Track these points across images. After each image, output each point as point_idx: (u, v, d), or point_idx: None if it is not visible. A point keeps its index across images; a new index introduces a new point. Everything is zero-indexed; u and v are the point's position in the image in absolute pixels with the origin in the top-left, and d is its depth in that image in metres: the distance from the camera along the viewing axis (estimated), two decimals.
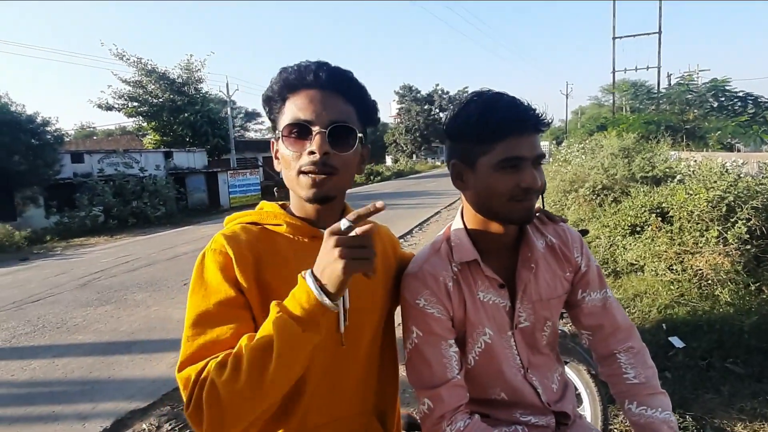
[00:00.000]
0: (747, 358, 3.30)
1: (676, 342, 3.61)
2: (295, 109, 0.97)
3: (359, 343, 1.04)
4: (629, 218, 6.11)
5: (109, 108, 23.86)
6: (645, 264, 5.24)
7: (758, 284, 4.32)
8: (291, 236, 1.01)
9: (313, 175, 0.95)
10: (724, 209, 4.87)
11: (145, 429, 3.22)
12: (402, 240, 9.71)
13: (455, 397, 1.07)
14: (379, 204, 0.78)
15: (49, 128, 15.78)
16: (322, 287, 0.82)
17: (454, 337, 1.11)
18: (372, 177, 33.67)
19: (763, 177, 5.84)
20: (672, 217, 5.44)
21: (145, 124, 24.99)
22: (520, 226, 1.09)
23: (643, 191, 6.78)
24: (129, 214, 16.56)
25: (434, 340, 1.09)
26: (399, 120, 55.03)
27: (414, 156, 53.59)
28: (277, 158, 1.05)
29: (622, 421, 2.74)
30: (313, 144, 0.94)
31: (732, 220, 4.78)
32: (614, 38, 25.92)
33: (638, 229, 5.95)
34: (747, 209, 4.73)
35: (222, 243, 0.95)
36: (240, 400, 0.80)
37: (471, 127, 1.04)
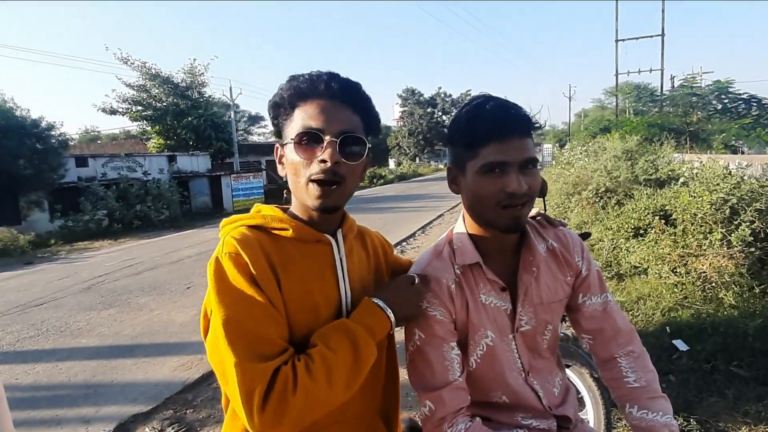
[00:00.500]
0: (751, 361, 3.28)
1: (680, 345, 3.59)
2: (306, 117, 0.98)
3: None
4: (632, 221, 6.09)
5: (113, 112, 23.98)
6: (648, 267, 5.22)
7: (762, 287, 4.30)
8: (296, 240, 1.03)
9: (322, 186, 0.97)
10: (727, 212, 4.85)
11: None
12: (405, 243, 9.71)
13: (456, 400, 1.07)
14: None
15: (53, 132, 15.88)
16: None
17: (456, 339, 1.12)
18: (375, 180, 33.69)
19: (767, 179, 5.82)
20: (675, 219, 5.42)
21: (149, 128, 25.12)
22: (509, 234, 1.08)
23: (647, 194, 6.76)
24: (133, 217, 16.62)
25: (436, 343, 1.09)
26: (402, 123, 55.08)
27: (417, 159, 53.62)
28: (281, 163, 1.06)
29: (625, 426, 2.72)
30: (325, 153, 0.96)
31: (736, 222, 4.77)
32: (617, 41, 25.92)
33: (641, 231, 5.93)
34: (751, 211, 4.71)
35: (236, 246, 0.95)
36: (333, 400, 0.91)
37: (459, 132, 1.07)
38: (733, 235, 4.64)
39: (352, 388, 0.94)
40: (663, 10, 24.97)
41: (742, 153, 15.32)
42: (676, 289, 4.68)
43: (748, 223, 4.65)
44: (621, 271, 5.52)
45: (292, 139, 0.99)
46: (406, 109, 54.37)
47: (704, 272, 4.62)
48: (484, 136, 1.02)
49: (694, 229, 5.05)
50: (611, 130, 18.32)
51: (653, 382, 1.16)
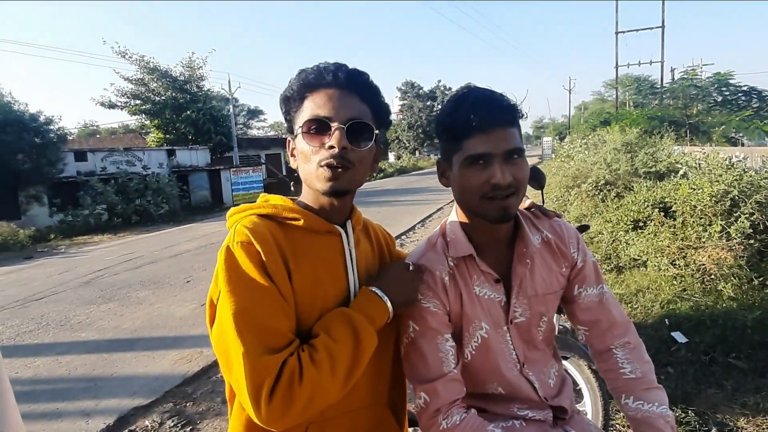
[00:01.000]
0: (750, 353, 3.28)
1: (679, 337, 3.60)
2: (314, 106, 1.01)
3: None
4: (632, 213, 6.09)
5: (112, 106, 23.91)
6: (648, 259, 5.22)
7: (761, 279, 4.30)
8: (307, 230, 1.04)
9: (331, 169, 0.99)
10: (728, 204, 4.85)
11: (147, 426, 3.24)
12: (404, 236, 9.71)
13: (451, 391, 1.07)
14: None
15: (52, 127, 15.85)
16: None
17: (450, 331, 1.11)
18: (374, 174, 33.60)
19: (767, 171, 5.81)
20: (675, 212, 5.42)
21: (147, 122, 25.06)
22: (497, 224, 1.07)
23: (646, 186, 6.75)
24: (132, 212, 16.61)
25: (430, 335, 1.09)
26: (401, 116, 54.94)
27: (417, 153, 53.53)
28: (293, 155, 1.09)
29: (624, 417, 2.73)
30: (333, 139, 0.98)
31: (735, 214, 4.76)
32: (617, 33, 25.82)
33: (641, 224, 5.93)
34: (750, 204, 4.71)
35: (248, 235, 0.95)
36: (338, 391, 0.92)
37: (443, 126, 1.08)
38: (732, 227, 4.64)
39: (354, 377, 0.94)
40: (663, 2, 24.85)
41: (742, 145, 15.29)
42: (675, 282, 4.68)
43: (747, 215, 4.65)
44: (620, 264, 5.52)
45: (300, 128, 1.02)
46: (405, 102, 54.18)
47: (703, 264, 4.62)
48: (466, 128, 1.02)
49: (693, 222, 5.04)
50: (611, 122, 18.28)
51: (649, 373, 1.15)
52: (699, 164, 6.69)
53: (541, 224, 1.21)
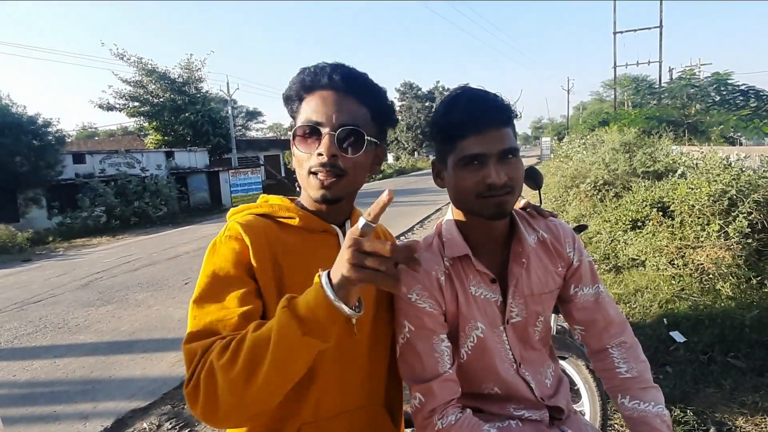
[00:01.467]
0: (748, 352, 3.28)
1: (677, 336, 3.59)
2: (308, 110, 1.00)
3: (367, 334, 1.07)
4: (630, 213, 6.09)
5: (110, 108, 23.89)
6: (646, 259, 5.22)
7: (759, 278, 4.30)
8: (303, 229, 1.03)
9: (321, 177, 0.98)
10: (725, 203, 4.85)
11: (146, 428, 3.22)
12: (403, 237, 9.71)
13: (447, 391, 1.06)
14: (386, 195, 0.70)
15: (50, 129, 15.84)
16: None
17: (446, 331, 1.11)
18: (375, 175, 33.58)
19: (765, 171, 5.81)
20: (673, 211, 5.42)
21: (146, 124, 25.02)
22: (494, 220, 1.08)
23: (645, 186, 6.76)
24: (131, 214, 16.59)
25: (426, 335, 1.08)
26: (400, 117, 54.96)
27: (415, 153, 53.55)
28: (294, 155, 1.07)
29: (622, 417, 2.73)
30: (321, 146, 0.96)
31: (733, 214, 4.76)
32: (615, 33, 25.84)
33: (639, 224, 5.93)
34: (749, 203, 4.71)
35: (238, 230, 0.96)
36: (233, 391, 0.75)
37: (437, 127, 1.08)
38: (730, 226, 4.64)
39: (269, 383, 0.76)
40: (661, 2, 24.88)
41: (741, 144, 15.31)
42: (673, 281, 4.68)
43: (745, 215, 4.65)
44: (619, 264, 5.53)
45: (293, 133, 1.01)
46: (404, 103, 54.19)
47: (702, 264, 4.62)
48: (460, 129, 1.02)
49: (691, 221, 5.05)
50: (610, 122, 18.31)
51: (645, 372, 1.15)
52: (697, 164, 6.70)
53: (536, 224, 1.21)
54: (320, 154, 0.96)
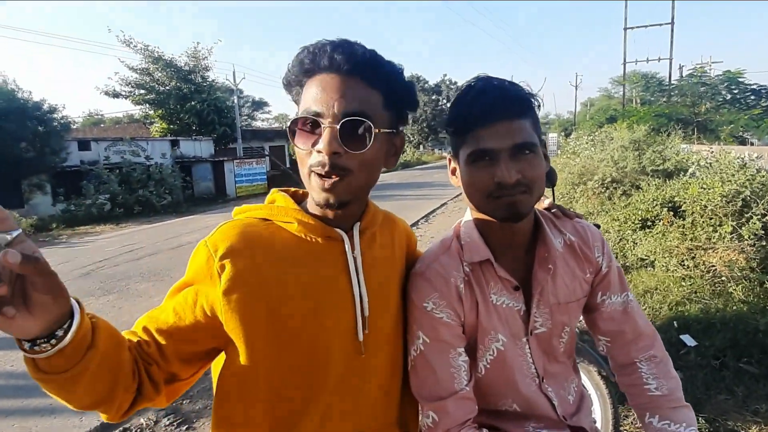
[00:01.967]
0: (761, 358, 3.20)
1: (688, 340, 3.51)
2: (308, 97, 0.85)
3: (380, 351, 0.96)
4: (640, 212, 5.99)
5: (116, 95, 23.86)
6: (656, 259, 5.13)
7: None
8: (302, 236, 0.91)
9: (322, 178, 0.84)
10: (739, 204, 4.74)
11: (143, 423, 3.17)
12: None
13: (462, 410, 0.98)
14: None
15: (55, 115, 15.81)
16: None
17: (464, 344, 1.02)
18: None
19: None
20: (684, 211, 5.32)
21: (152, 112, 24.98)
22: (507, 222, 0.99)
23: (655, 184, 6.65)
24: (135, 202, 16.57)
25: (442, 348, 0.99)
26: None
27: (421, 147, 53.39)
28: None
29: (632, 422, 2.65)
30: (321, 142, 0.82)
31: (747, 215, 4.66)
32: (626, 29, 25.55)
33: (649, 223, 5.84)
34: (763, 204, 4.60)
35: (216, 238, 0.88)
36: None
37: (449, 118, 1.00)
38: (744, 228, 4.53)
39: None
40: None
41: (751, 144, 15.12)
42: (684, 283, 4.58)
43: (759, 216, 4.54)
44: (627, 264, 5.43)
45: (289, 127, 0.87)
46: None
47: (713, 266, 4.52)
48: (470, 121, 0.94)
49: (703, 222, 4.94)
50: (618, 119, 18.14)
51: (676, 390, 1.07)
52: (710, 163, 6.58)
53: (563, 226, 1.11)
54: (319, 152, 0.83)
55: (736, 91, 16.52)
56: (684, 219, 5.24)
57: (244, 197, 20.70)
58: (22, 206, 14.81)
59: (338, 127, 0.82)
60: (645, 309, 4.21)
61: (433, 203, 13.76)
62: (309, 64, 0.86)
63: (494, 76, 0.99)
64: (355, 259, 0.92)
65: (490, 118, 0.92)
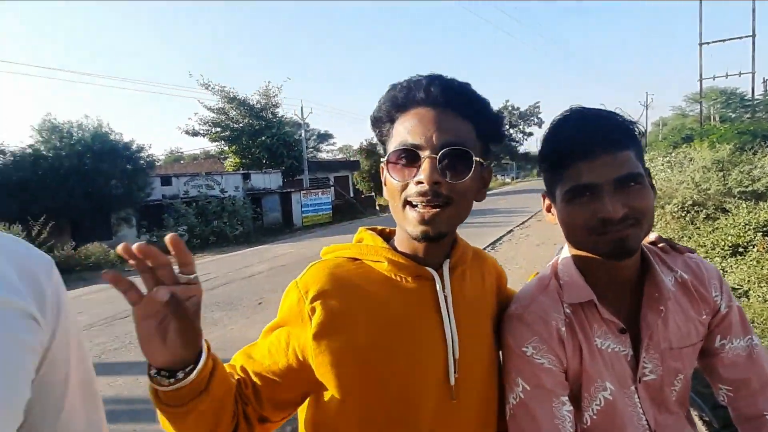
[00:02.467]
0: None
1: None
2: (403, 131, 0.86)
3: (471, 396, 0.91)
4: (730, 237, 5.55)
5: (195, 134, 25.71)
6: (750, 288, 4.71)
7: None
8: (392, 275, 0.90)
9: (421, 209, 0.84)
10: None
11: None
12: None
13: None
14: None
15: (142, 154, 17.21)
16: None
17: (567, 392, 0.95)
18: (479, 201, 33.50)
19: None
20: None
21: (226, 148, 26.61)
22: (614, 260, 0.91)
23: (746, 207, 6.16)
24: (210, 233, 17.46)
25: (544, 396, 0.92)
26: None
27: None
28: (385, 185, 0.93)
29: None
30: (421, 173, 0.82)
31: None
32: (701, 44, 24.30)
33: (741, 249, 5.39)
34: None
35: (305, 279, 0.90)
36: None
37: (542, 154, 0.95)
38: None
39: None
40: (754, 9, 23.15)
41: None
42: None
43: None
44: None
45: (387, 159, 0.88)
46: None
47: None
48: (565, 156, 0.89)
49: None
50: (695, 139, 17.09)
51: None
52: None
53: (672, 262, 1.02)
54: (420, 182, 0.82)
55: None
56: None
57: (310, 227, 21.25)
58: (110, 238, 16.01)
59: (438, 157, 0.82)
60: None
61: (498, 231, 13.46)
62: (403, 99, 0.88)
63: (588, 106, 0.94)
64: (446, 297, 0.89)
65: (590, 151, 0.86)
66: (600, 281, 0.96)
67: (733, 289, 4.93)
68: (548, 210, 1.00)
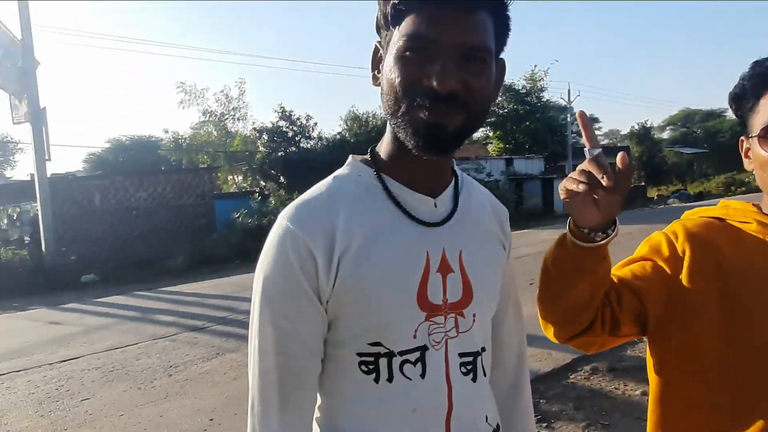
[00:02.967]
0: None
1: None
2: None
3: None
4: None
5: None
6: None
7: None
8: (760, 236, 0.94)
9: None
10: None
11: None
12: None
13: None
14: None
15: None
16: None
17: None
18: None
19: None
20: None
21: (490, 134, 27.37)
22: None
23: None
24: None
25: None
26: None
27: None
28: (747, 157, 1.00)
29: None
30: None
31: None
32: None
33: None
34: None
35: (673, 228, 1.00)
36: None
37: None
38: None
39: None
40: None
41: None
42: None
43: None
44: None
45: (756, 134, 0.92)
46: None
47: None
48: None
49: None
50: None
51: None
52: None
53: None
54: None
55: None
56: None
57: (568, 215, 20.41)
58: None
59: None
60: None
61: None
62: None
63: None
64: None
65: None
66: None
67: None
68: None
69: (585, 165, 0.75)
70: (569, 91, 28.06)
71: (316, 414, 0.83)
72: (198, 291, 9.18)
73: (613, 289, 0.97)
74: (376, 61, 0.81)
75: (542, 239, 12.67)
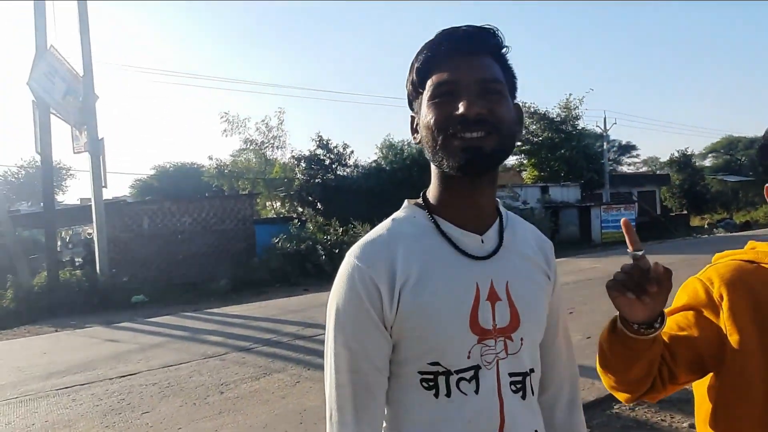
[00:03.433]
0: None
1: None
2: None
3: None
4: None
5: None
6: None
7: None
8: None
9: None
10: None
11: None
12: None
13: None
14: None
15: None
16: None
17: None
18: None
19: None
20: None
21: (525, 161, 27.33)
22: None
23: None
24: None
25: None
26: None
27: None
28: None
29: None
30: None
31: None
32: None
33: None
34: None
35: (708, 275, 1.04)
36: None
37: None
38: None
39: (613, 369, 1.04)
40: None
41: None
42: None
43: None
44: None
45: None
46: None
47: None
48: None
49: None
50: None
51: None
52: None
53: None
54: None
55: None
56: None
57: (610, 243, 20.00)
58: None
59: None
60: None
61: None
62: None
63: None
64: None
65: None
66: None
67: None
68: None
69: (628, 267, 0.86)
70: (605, 119, 27.86)
71: (384, 423, 0.93)
72: (242, 313, 9.51)
73: (665, 348, 1.02)
74: (414, 128, 0.94)
75: (580, 267, 12.55)
